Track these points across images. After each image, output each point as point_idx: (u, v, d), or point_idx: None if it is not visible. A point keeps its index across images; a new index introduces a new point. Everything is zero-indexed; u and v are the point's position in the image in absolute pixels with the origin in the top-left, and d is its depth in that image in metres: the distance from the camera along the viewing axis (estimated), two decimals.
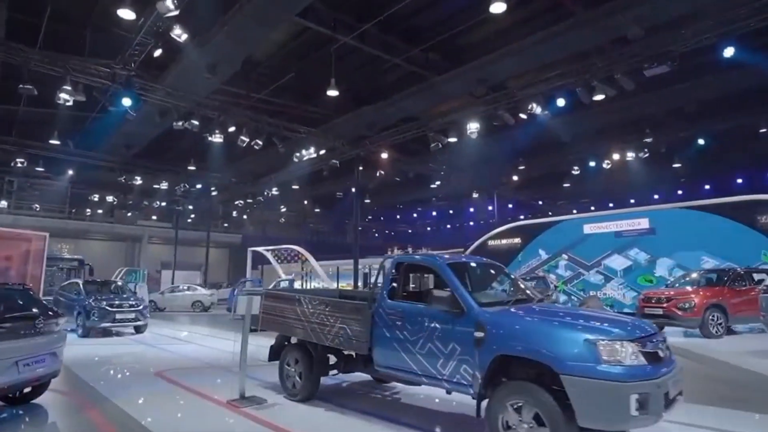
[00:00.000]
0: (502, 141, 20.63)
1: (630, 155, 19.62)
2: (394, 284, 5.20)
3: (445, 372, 4.40)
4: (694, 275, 12.98)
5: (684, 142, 19.94)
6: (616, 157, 20.73)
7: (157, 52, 11.62)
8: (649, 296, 11.78)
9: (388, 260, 5.44)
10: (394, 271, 5.24)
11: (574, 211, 28.25)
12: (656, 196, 26.70)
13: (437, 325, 4.52)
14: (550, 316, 4.26)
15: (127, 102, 13.18)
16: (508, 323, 4.16)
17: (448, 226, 40.79)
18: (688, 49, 10.89)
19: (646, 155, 19.25)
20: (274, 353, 6.42)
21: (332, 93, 15.33)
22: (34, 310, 5.54)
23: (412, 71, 16.61)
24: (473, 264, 5.37)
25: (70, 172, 24.74)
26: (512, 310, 4.43)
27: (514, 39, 14.15)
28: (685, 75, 14.45)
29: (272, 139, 17.45)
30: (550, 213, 31.65)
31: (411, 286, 5.45)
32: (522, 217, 30.07)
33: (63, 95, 12.04)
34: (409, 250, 22.60)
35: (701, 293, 11.11)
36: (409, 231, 43.12)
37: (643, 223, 17.00)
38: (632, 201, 27.10)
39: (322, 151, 20.01)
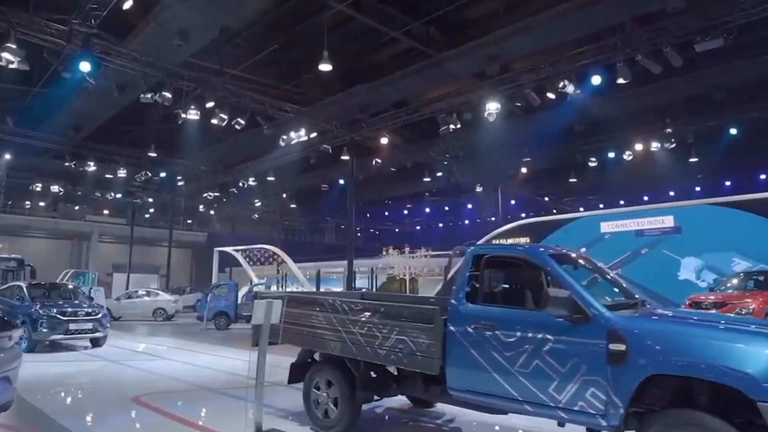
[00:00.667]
0: (511, 129, 20.00)
1: (655, 146, 19.25)
2: (474, 284, 4.33)
3: (560, 397, 3.62)
4: (737, 278, 12.58)
5: (709, 134, 19.76)
6: (636, 148, 20.37)
7: (127, 4, 10.36)
8: (698, 301, 11.26)
9: (461, 253, 4.57)
10: (471, 267, 4.37)
11: (581, 209, 28.03)
12: (671, 193, 26.67)
13: (548, 336, 3.72)
14: (714, 323, 3.50)
15: (85, 66, 11.83)
16: (663, 333, 3.42)
17: (440, 224, 40.06)
18: (753, 19, 10.38)
19: (672, 145, 18.92)
20: (296, 373, 5.46)
21: (325, 67, 14.34)
22: None
23: (411, 47, 15.87)
24: (574, 256, 4.55)
25: (7, 156, 22.81)
26: (657, 315, 3.66)
27: (528, 12, 13.58)
28: (716, 58, 14.10)
29: (255, 119, 16.27)
30: (554, 211, 31.41)
31: (494, 285, 4.58)
32: (523, 215, 29.74)
33: (5, 55, 10.61)
34: (406, 250, 21.74)
35: (759, 297, 10.64)
36: (396, 230, 42.27)
37: (668, 221, 16.61)
38: (645, 198, 27.03)
39: (313, 134, 18.91)
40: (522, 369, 3.80)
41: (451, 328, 4.22)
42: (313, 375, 5.25)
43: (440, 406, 5.95)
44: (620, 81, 13.21)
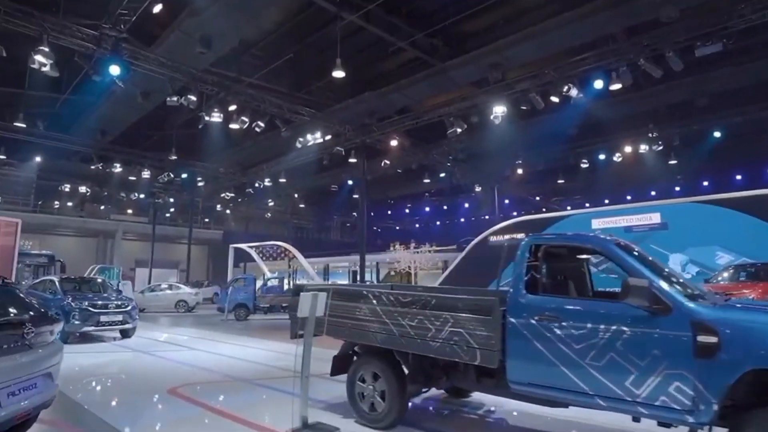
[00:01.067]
0: (509, 134, 19.54)
1: (643, 148, 18.81)
2: (534, 274, 3.81)
3: (639, 392, 3.13)
4: (727, 271, 12.13)
5: (693, 136, 19.38)
6: (625, 150, 19.95)
7: (156, 7, 9.77)
8: None
9: (516, 242, 4.05)
10: (529, 256, 3.86)
11: (568, 207, 27.57)
12: (653, 193, 26.28)
13: (624, 328, 3.21)
14: None
15: (114, 70, 11.22)
16: (760, 325, 2.88)
17: (438, 222, 39.59)
18: (756, 23, 9.92)
19: (660, 148, 18.50)
20: (339, 366, 4.93)
21: (338, 74, 13.84)
22: (19, 313, 3.85)
23: (416, 57, 15.48)
24: (632, 246, 4.03)
25: (38, 159, 22.09)
26: (739, 306, 3.19)
27: (524, 24, 13.21)
28: (705, 65, 13.71)
29: (272, 123, 15.72)
30: (544, 209, 30.97)
31: (556, 276, 4.06)
32: (515, 213, 29.26)
33: (38, 58, 9.99)
34: (412, 246, 21.24)
35: (758, 288, 10.18)
36: (397, 228, 41.75)
37: (655, 218, 16.16)
38: (629, 197, 26.59)
39: (328, 137, 18.36)
40: (594, 362, 3.29)
41: (511, 319, 3.70)
42: (358, 367, 4.71)
43: (476, 396, 5.45)
44: (616, 86, 12.85)
